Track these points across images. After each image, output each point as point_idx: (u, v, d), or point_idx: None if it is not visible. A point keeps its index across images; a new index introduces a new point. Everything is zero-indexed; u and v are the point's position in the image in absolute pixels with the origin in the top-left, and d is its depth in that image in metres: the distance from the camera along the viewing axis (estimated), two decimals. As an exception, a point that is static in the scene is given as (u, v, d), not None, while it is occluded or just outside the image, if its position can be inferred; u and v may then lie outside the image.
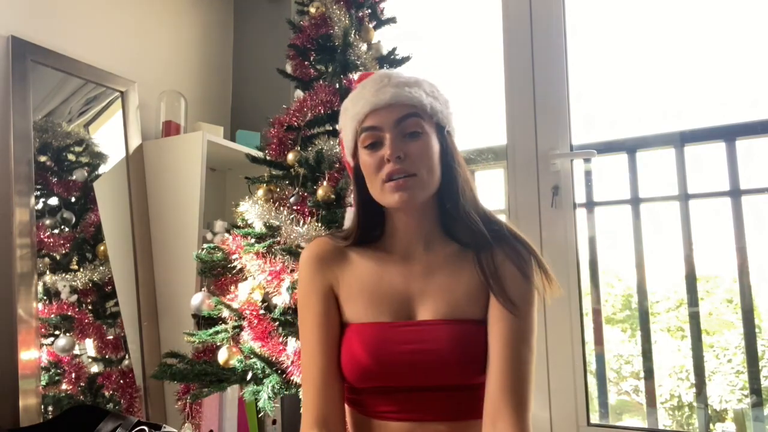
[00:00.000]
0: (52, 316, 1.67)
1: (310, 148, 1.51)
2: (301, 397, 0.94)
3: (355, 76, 1.59)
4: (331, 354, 0.92)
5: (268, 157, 1.56)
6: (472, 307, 0.91)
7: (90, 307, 1.78)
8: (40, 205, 1.73)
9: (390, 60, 1.66)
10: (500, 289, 0.89)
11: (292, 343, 1.29)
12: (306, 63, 1.68)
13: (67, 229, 1.78)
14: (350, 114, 0.94)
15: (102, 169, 1.91)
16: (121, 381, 1.75)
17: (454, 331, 0.88)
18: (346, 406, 0.96)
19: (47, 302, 1.68)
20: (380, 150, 0.89)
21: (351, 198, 1.41)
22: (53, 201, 1.78)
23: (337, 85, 1.57)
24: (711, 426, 1.81)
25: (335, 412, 0.90)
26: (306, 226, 1.35)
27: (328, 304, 0.94)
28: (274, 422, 1.98)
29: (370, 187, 0.92)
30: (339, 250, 0.98)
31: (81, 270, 1.78)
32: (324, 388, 0.90)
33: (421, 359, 0.87)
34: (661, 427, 1.84)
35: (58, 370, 1.65)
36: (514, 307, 0.88)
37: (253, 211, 1.44)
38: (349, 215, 1.14)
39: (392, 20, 1.73)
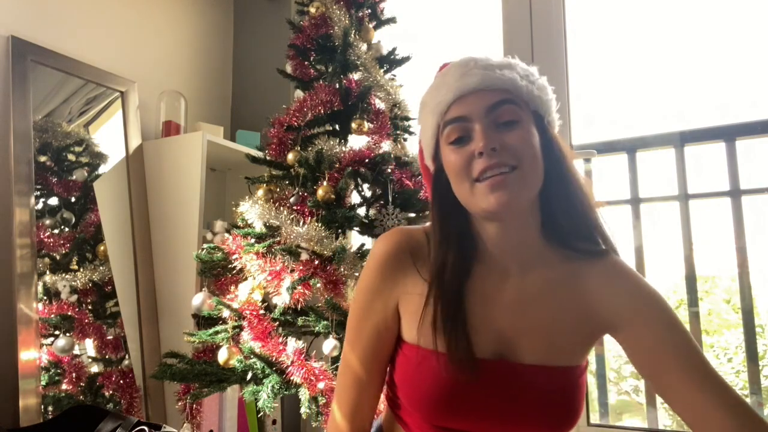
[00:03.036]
0: (52, 316, 1.67)
1: (310, 148, 1.51)
2: (333, 404, 0.88)
3: (356, 76, 1.59)
4: (376, 372, 0.82)
5: (268, 157, 1.56)
6: (574, 350, 0.75)
7: (90, 307, 1.78)
8: (40, 205, 1.73)
9: (390, 60, 1.66)
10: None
11: (292, 343, 1.29)
12: (306, 63, 1.68)
13: (67, 229, 1.78)
14: (430, 107, 0.78)
15: (102, 169, 1.91)
16: (121, 381, 1.75)
17: (553, 380, 0.73)
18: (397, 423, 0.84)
19: (47, 302, 1.68)
20: (468, 144, 0.73)
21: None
22: (53, 201, 1.78)
23: (337, 85, 1.57)
24: (711, 426, 1.81)
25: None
26: (306, 226, 1.35)
27: (391, 317, 0.80)
28: (274, 422, 1.98)
29: (457, 191, 0.75)
30: (424, 249, 0.79)
31: (81, 270, 1.78)
32: (360, 407, 0.83)
33: (510, 409, 0.72)
34: (661, 427, 1.84)
35: (58, 370, 1.65)
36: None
37: (253, 211, 1.44)
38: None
39: (392, 20, 1.73)
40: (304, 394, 1.22)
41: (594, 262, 0.77)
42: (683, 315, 1.85)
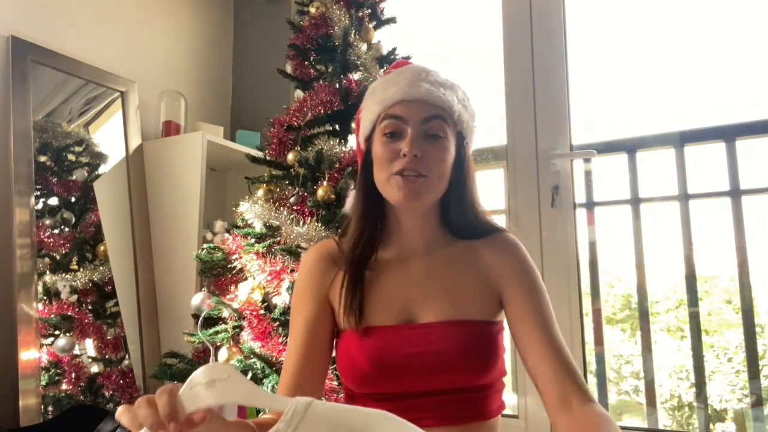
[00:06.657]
0: (52, 316, 1.67)
1: (310, 148, 1.51)
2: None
3: (356, 76, 1.59)
4: (312, 359, 0.89)
5: (268, 157, 1.57)
6: (478, 307, 0.89)
7: (90, 307, 1.78)
8: (40, 205, 1.73)
9: (390, 60, 1.66)
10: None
11: (292, 343, 1.29)
12: (306, 63, 1.68)
13: (67, 229, 1.78)
14: (378, 97, 0.91)
15: (102, 169, 1.91)
16: (121, 381, 1.75)
17: (461, 332, 0.86)
18: None
19: (47, 302, 1.68)
20: (398, 141, 0.87)
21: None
22: (53, 201, 1.78)
23: (337, 85, 1.57)
24: (711, 426, 1.81)
25: None
26: (306, 226, 1.35)
27: (321, 311, 0.92)
28: (274, 422, 1.98)
29: (377, 174, 0.90)
30: (339, 254, 0.95)
31: (81, 270, 1.78)
32: (296, 385, 0.86)
33: (426, 362, 0.84)
34: (661, 427, 1.84)
35: (58, 370, 1.65)
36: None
37: (253, 211, 1.44)
38: (349, 202, 1.07)
39: (392, 20, 1.73)
40: (304, 394, 1.22)
41: (484, 239, 0.94)
42: (683, 315, 1.85)
